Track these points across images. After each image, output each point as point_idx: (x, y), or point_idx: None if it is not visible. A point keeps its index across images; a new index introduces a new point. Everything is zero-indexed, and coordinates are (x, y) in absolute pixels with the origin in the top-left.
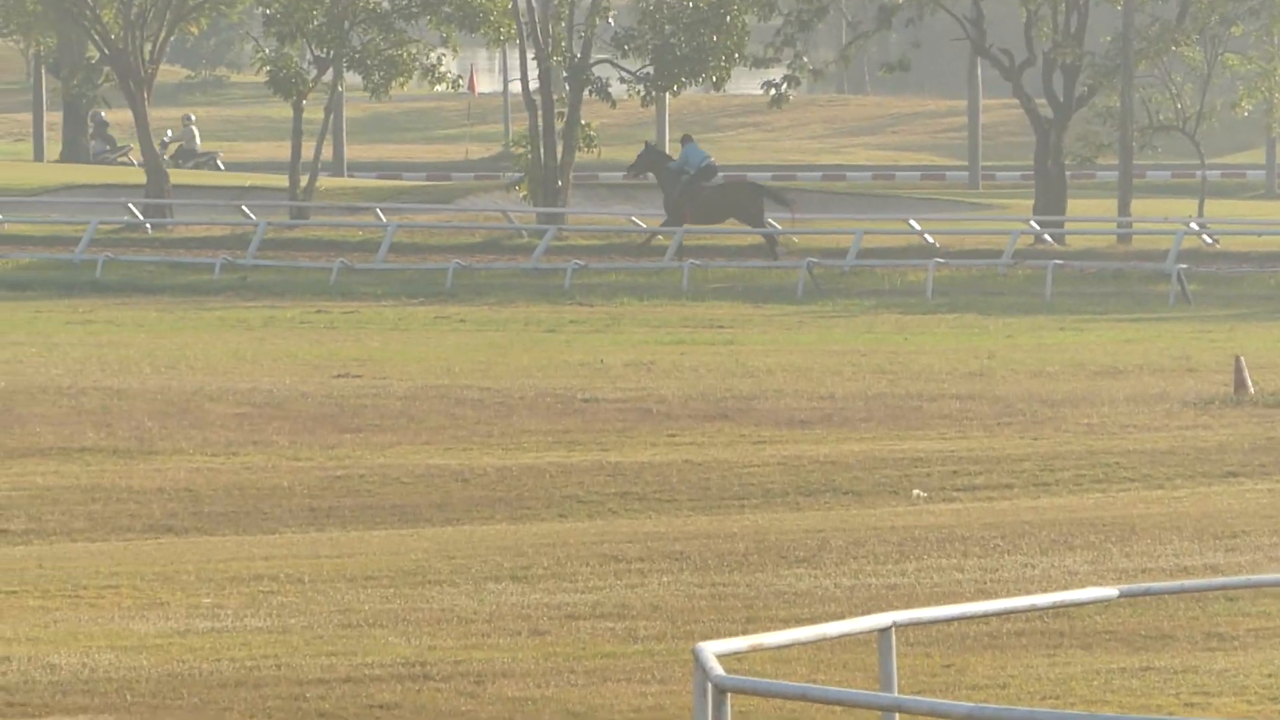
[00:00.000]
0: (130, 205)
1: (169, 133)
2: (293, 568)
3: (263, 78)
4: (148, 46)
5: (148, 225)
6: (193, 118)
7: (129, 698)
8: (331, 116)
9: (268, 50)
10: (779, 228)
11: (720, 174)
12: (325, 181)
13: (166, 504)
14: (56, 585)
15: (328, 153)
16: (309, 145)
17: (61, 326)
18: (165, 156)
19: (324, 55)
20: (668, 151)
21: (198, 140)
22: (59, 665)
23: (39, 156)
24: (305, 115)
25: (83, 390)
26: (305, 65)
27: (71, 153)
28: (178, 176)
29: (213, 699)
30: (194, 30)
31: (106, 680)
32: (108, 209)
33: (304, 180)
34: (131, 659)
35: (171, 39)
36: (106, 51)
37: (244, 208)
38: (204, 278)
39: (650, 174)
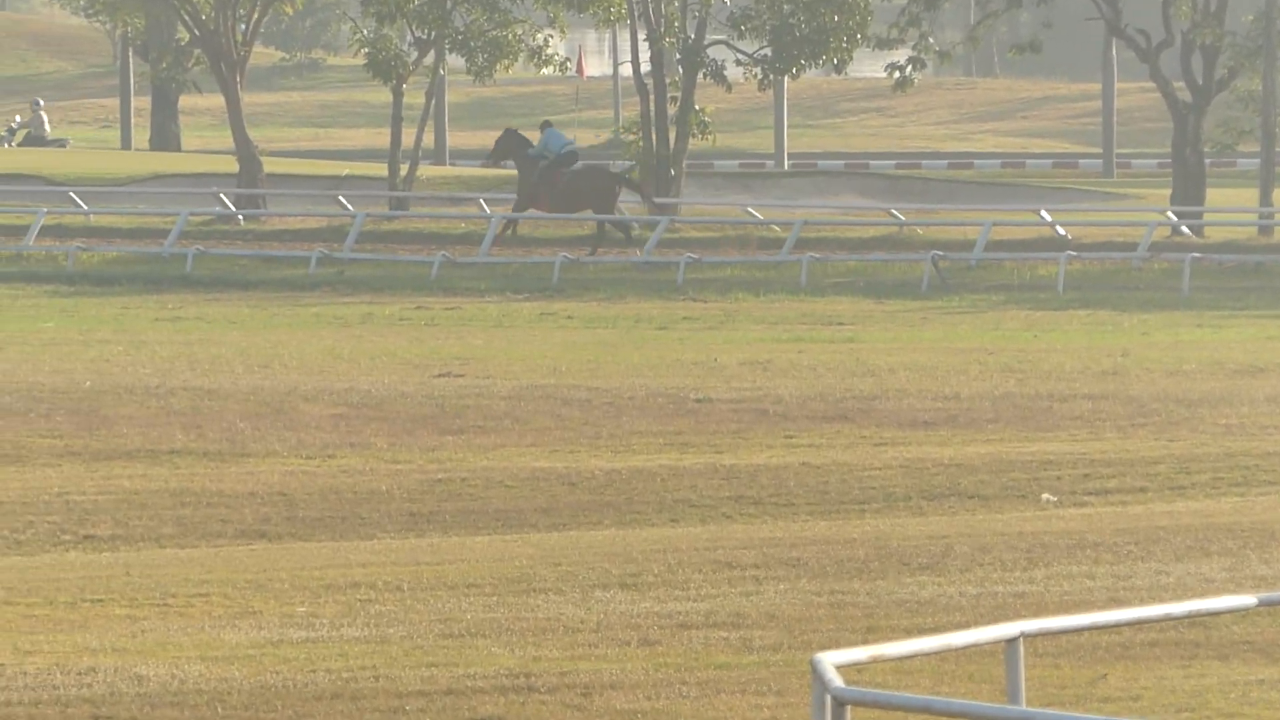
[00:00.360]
0: (222, 195)
1: (16, 119)
2: (391, 575)
3: (361, 60)
4: (240, 28)
5: (240, 216)
6: (40, 102)
7: (220, 710)
8: (433, 101)
9: (366, 31)
10: (628, 216)
11: (580, 161)
12: (426, 170)
13: (259, 508)
14: (144, 593)
15: (429, 140)
16: (409, 132)
17: (150, 323)
18: (13, 144)
19: (425, 36)
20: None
21: (47, 126)
22: (147, 676)
23: (126, 144)
24: (405, 100)
25: (172, 390)
26: (405, 47)
27: (160, 140)
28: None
29: (307, 712)
30: (288, 10)
31: (196, 692)
32: (198, 199)
33: (404, 169)
34: (222, 670)
35: (265, 19)
36: (197, 33)
37: (341, 198)
38: (299, 272)
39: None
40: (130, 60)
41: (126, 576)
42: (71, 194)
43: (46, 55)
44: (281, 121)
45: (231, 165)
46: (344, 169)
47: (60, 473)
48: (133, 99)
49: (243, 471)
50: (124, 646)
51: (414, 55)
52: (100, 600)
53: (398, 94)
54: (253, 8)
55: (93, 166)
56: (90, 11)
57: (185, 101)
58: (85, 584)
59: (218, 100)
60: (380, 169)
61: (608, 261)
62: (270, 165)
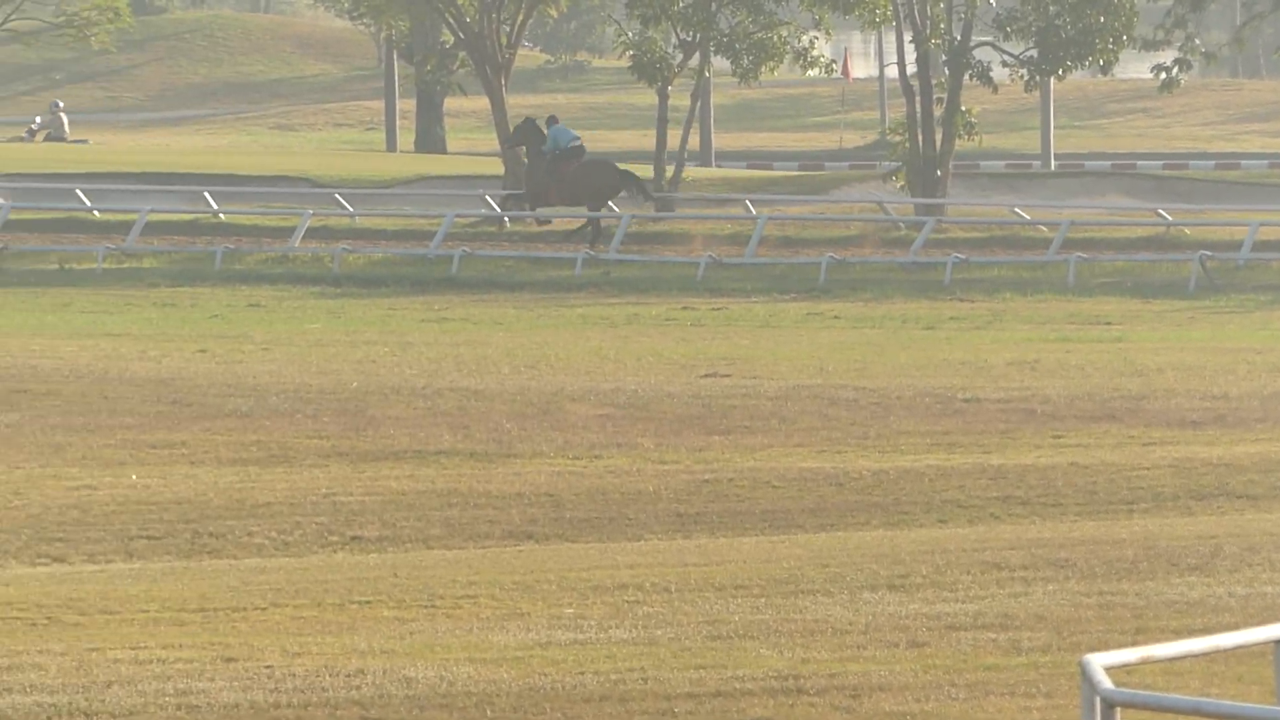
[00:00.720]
0: (488, 197)
1: (37, 119)
2: (659, 576)
3: (626, 62)
4: (505, 30)
5: (505, 219)
6: (60, 104)
7: (488, 713)
8: (698, 103)
9: (631, 34)
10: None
11: (587, 155)
12: (692, 172)
13: (526, 509)
14: (412, 595)
15: (694, 141)
16: (674, 133)
17: (416, 325)
18: (36, 141)
19: (690, 39)
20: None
21: (66, 127)
22: (415, 679)
23: (391, 147)
24: (670, 102)
25: (438, 391)
26: (670, 49)
27: (425, 142)
28: None
29: (575, 714)
30: (553, 13)
31: (465, 694)
32: (464, 201)
33: (669, 171)
34: (491, 672)
35: (530, 22)
36: (462, 35)
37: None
38: (565, 273)
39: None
40: (395, 63)
41: (394, 578)
42: (337, 196)
43: (311, 58)
44: None
45: (497, 167)
46: None
47: (327, 474)
48: (397, 102)
49: (510, 472)
50: (392, 648)
51: (679, 57)
52: (368, 602)
53: (663, 96)
54: (517, 10)
55: (358, 169)
56: (355, 14)
57: (450, 104)
58: (353, 585)
59: (482, 103)
60: (645, 171)
61: (874, 262)
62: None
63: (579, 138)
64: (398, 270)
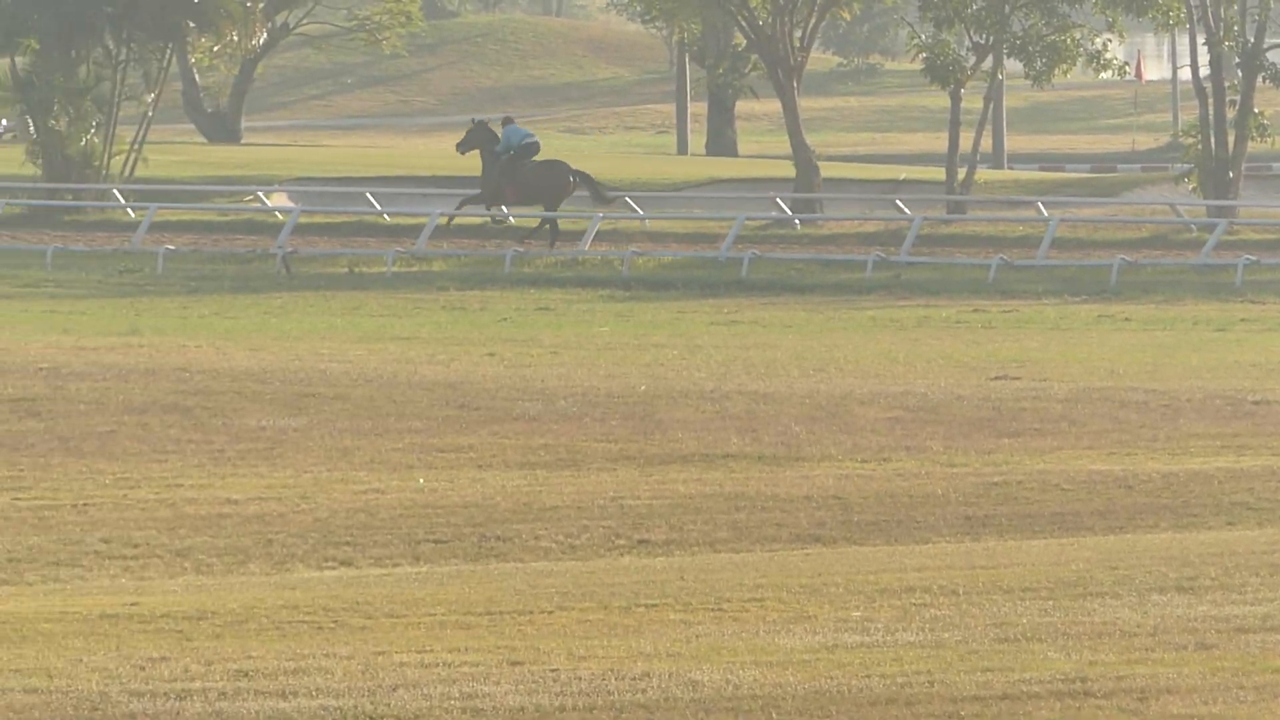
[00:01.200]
0: (778, 200)
1: (3, 122)
2: (946, 579)
3: (918, 65)
4: (797, 33)
5: (796, 221)
6: (4, 121)
7: (774, 716)
8: (991, 106)
9: (924, 36)
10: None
11: (541, 154)
12: (984, 174)
13: (814, 513)
14: (699, 598)
15: (986, 144)
16: (967, 136)
17: (705, 327)
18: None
19: (983, 41)
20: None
21: (32, 131)
22: (701, 682)
23: (682, 149)
24: (963, 104)
25: (726, 394)
26: (963, 52)
27: (717, 145)
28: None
29: (861, 717)
30: (846, 15)
31: (750, 697)
32: (754, 204)
33: (961, 173)
34: (777, 675)
35: (822, 24)
36: (754, 38)
37: (898, 202)
38: (855, 276)
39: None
40: (687, 66)
41: (680, 581)
42: (627, 199)
43: (602, 61)
44: (838, 126)
45: (788, 170)
46: (900, 173)
47: (615, 477)
48: (689, 104)
49: (797, 475)
50: (678, 651)
51: (971, 60)
52: (654, 605)
53: (955, 98)
54: (810, 13)
55: (648, 171)
56: (647, 17)
57: (741, 107)
58: (639, 589)
59: (774, 105)
60: (937, 173)
61: (1165, 264)
62: (827, 170)
63: (533, 135)
64: (687, 273)
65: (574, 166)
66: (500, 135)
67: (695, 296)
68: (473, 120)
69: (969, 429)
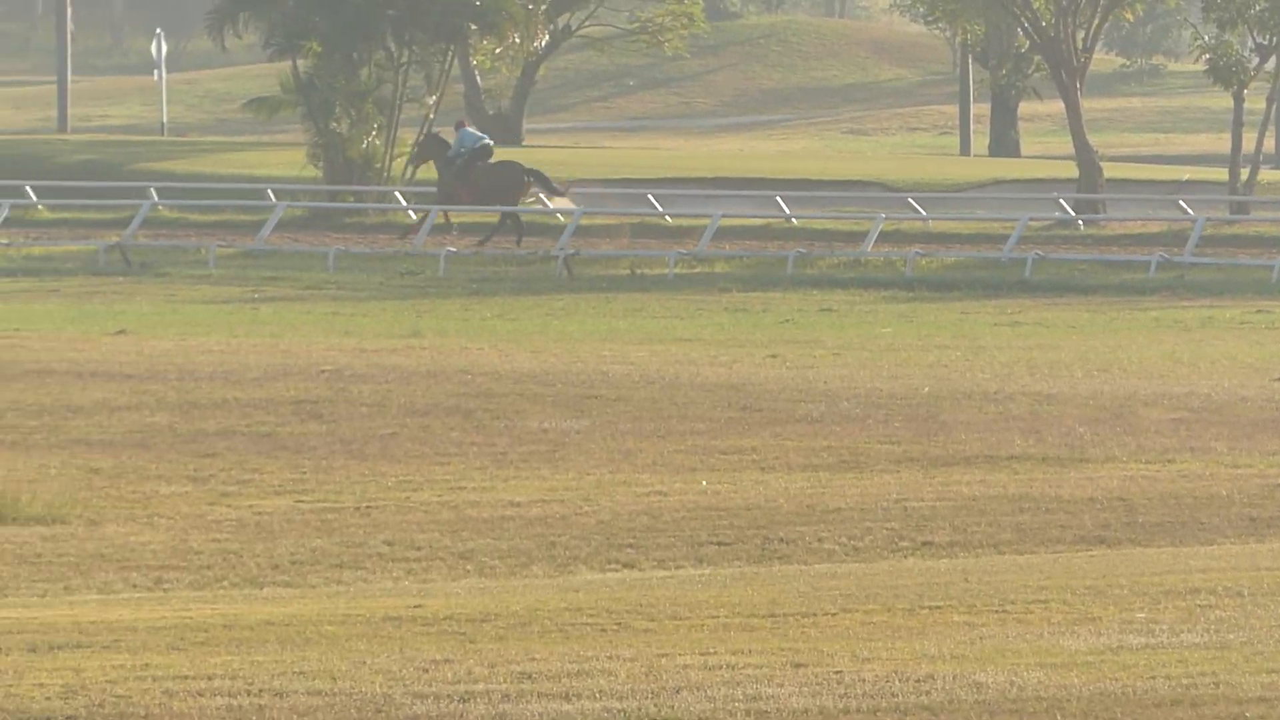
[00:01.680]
0: (1061, 200)
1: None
2: (1231, 580)
3: (1201, 66)
4: (1080, 34)
5: (1079, 221)
6: None
7: (1059, 717)
8: (1274, 106)
9: (1207, 37)
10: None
11: (494, 155)
12: (1267, 175)
13: (1098, 514)
14: (983, 600)
15: (1269, 145)
16: (1250, 137)
17: (988, 328)
18: None
19: (1267, 42)
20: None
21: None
22: (985, 684)
23: (965, 150)
24: (1246, 105)
25: (1010, 395)
26: (1246, 53)
27: (1000, 146)
28: (1108, 170)
29: (1146, 718)
30: (1129, 16)
31: (1035, 699)
32: (1038, 205)
33: (1244, 173)
34: (1060, 677)
35: (1105, 25)
36: (1037, 39)
37: (1181, 202)
38: (1138, 276)
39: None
40: (970, 67)
41: (965, 583)
42: (910, 200)
43: (885, 63)
44: (1122, 127)
45: (1071, 171)
46: (1184, 173)
47: (898, 479)
48: (971, 105)
49: (1082, 477)
50: (962, 653)
51: (1255, 61)
52: (938, 607)
53: (1238, 99)
54: (1093, 13)
55: (932, 172)
56: (930, 19)
57: (1024, 108)
58: (923, 590)
59: (1057, 106)
60: (1220, 174)
61: None
62: (1110, 170)
63: (486, 138)
64: (970, 274)
65: (527, 166)
66: (453, 142)
67: (978, 297)
68: (423, 134)
69: (1253, 430)
